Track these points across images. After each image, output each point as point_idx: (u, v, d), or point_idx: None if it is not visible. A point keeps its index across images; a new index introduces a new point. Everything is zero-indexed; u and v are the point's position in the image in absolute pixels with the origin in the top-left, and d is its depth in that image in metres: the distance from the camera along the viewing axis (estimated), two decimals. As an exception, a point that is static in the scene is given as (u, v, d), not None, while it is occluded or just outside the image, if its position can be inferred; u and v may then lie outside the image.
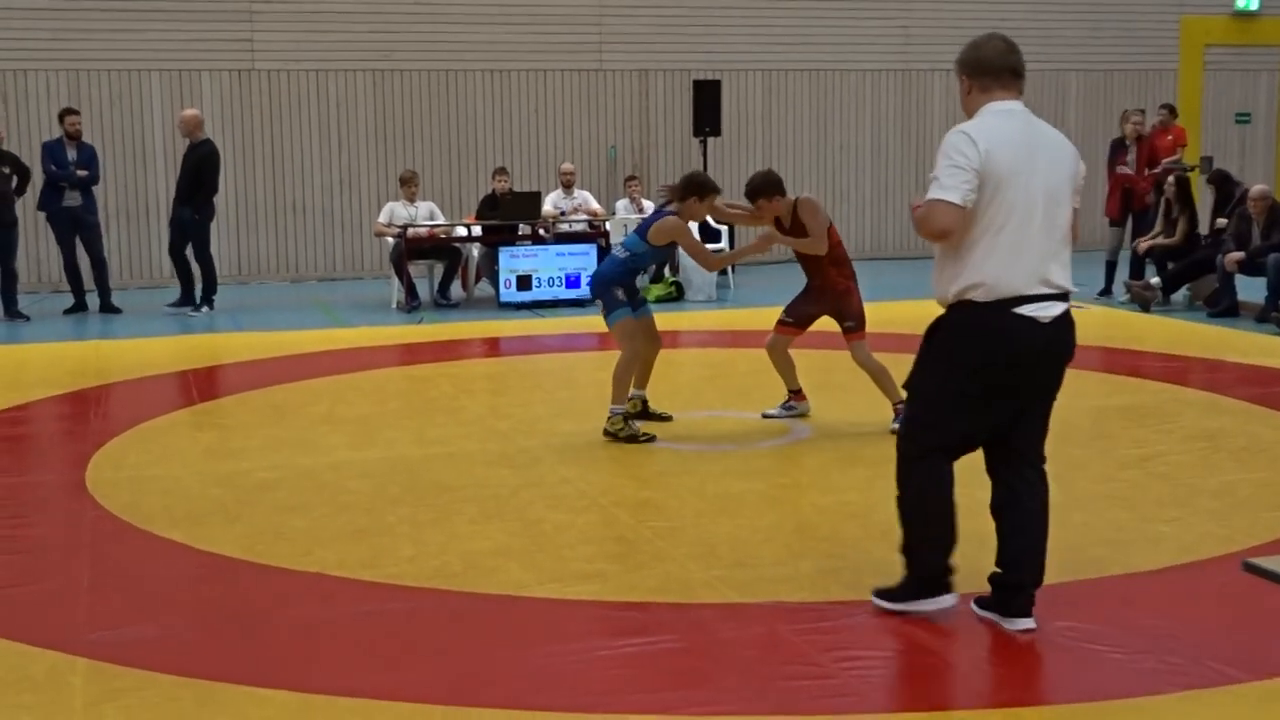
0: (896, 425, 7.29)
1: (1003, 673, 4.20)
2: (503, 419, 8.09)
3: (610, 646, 4.46)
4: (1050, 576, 5.06)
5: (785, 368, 7.84)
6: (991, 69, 4.59)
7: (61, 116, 13.42)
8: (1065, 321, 4.50)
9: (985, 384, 4.53)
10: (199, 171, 13.20)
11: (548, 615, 4.79)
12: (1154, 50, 19.23)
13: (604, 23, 17.04)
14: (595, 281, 7.63)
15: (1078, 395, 8.73)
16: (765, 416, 7.94)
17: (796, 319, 7.73)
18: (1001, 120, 4.54)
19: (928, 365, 4.73)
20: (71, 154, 13.19)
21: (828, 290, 7.62)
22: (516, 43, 16.77)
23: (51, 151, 13.23)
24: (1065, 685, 4.11)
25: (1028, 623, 4.57)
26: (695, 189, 7.47)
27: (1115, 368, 9.71)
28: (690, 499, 6.18)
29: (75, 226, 13.17)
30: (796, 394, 7.92)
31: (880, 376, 7.52)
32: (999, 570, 4.68)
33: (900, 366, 9.40)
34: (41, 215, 13.56)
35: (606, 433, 7.40)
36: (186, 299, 13.45)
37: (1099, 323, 12.14)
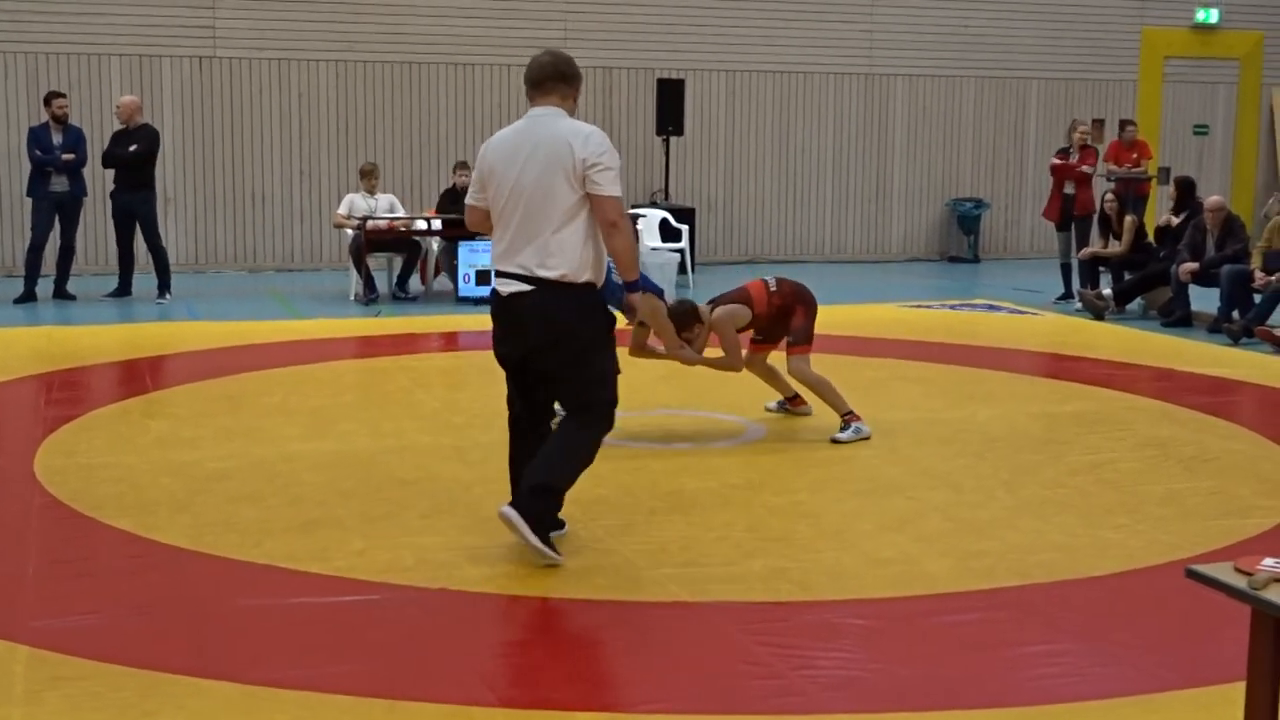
0: (843, 435, 7.37)
1: (949, 675, 4.23)
2: (458, 414, 8.07)
3: (559, 643, 4.46)
4: (999, 580, 5.12)
5: (770, 380, 7.89)
6: (531, 80, 5.24)
7: (47, 100, 13.24)
8: (523, 299, 5.07)
9: (493, 341, 5.29)
10: (152, 155, 13.08)
11: (497, 611, 4.79)
12: (1115, 60, 19.37)
13: (569, 19, 17.01)
14: None
15: (1030, 401, 8.81)
16: (767, 410, 8.04)
17: (766, 337, 7.77)
18: (514, 125, 5.29)
19: None
20: (58, 138, 13.02)
21: (778, 317, 7.61)
22: (480, 37, 16.72)
23: (36, 137, 13.05)
24: (1010, 689, 4.13)
25: (504, 510, 5.16)
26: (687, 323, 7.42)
27: (1067, 374, 9.79)
28: (643, 497, 6.18)
29: (57, 212, 13.03)
30: (793, 399, 7.96)
31: (821, 389, 7.51)
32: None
33: (856, 369, 9.46)
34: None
35: None
36: (127, 288, 13.33)
37: (1052, 329, 12.24)
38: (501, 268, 5.17)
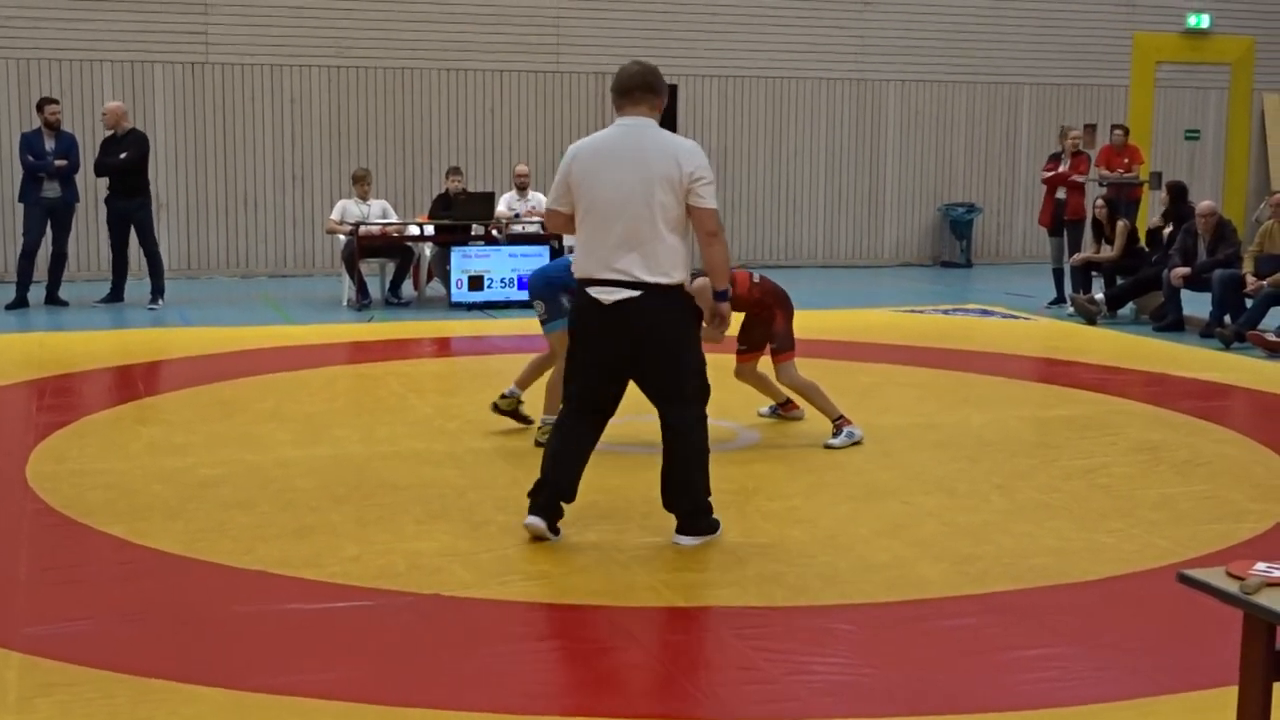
0: (835, 440, 7.37)
1: (943, 679, 4.23)
2: (451, 419, 8.06)
3: (553, 648, 4.46)
4: (993, 584, 5.12)
5: (762, 387, 7.88)
6: (620, 89, 5.42)
7: (40, 106, 13.22)
8: (630, 305, 5.27)
9: (578, 346, 5.47)
10: (143, 160, 13.09)
11: (490, 616, 4.78)
12: (1106, 65, 19.42)
13: (561, 24, 17.03)
14: (542, 283, 7.28)
15: (1023, 405, 8.82)
16: (760, 415, 8.05)
17: (750, 345, 7.77)
18: (605, 132, 5.47)
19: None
20: (50, 144, 13.00)
21: (755, 321, 7.64)
22: (473, 42, 16.73)
23: (29, 142, 13.03)
24: (1004, 693, 4.13)
25: (679, 540, 5.50)
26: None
27: (1060, 379, 9.80)
28: (637, 502, 6.17)
29: (49, 218, 13.01)
30: (785, 405, 7.97)
31: (811, 394, 7.51)
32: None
33: (850, 374, 9.46)
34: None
35: (539, 443, 7.21)
36: (119, 293, 13.32)
37: (1045, 334, 12.26)
38: (599, 275, 5.31)
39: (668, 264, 5.27)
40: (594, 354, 5.42)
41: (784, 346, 7.51)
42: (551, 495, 5.53)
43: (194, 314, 12.84)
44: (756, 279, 7.61)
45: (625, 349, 5.36)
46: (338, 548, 5.49)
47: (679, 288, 5.35)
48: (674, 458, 5.51)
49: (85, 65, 15.50)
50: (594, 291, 5.32)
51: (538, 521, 5.50)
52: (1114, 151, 15.21)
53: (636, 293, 5.25)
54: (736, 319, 7.63)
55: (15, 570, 5.16)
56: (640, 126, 5.38)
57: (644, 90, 5.40)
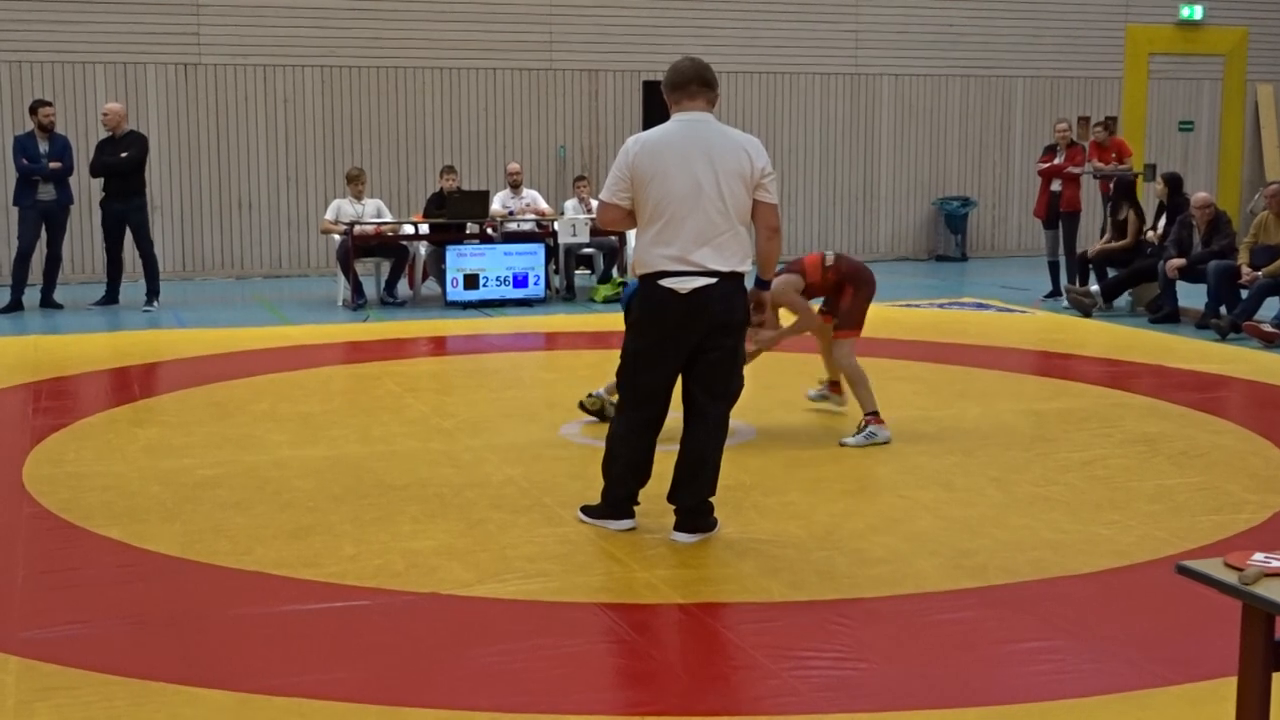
0: (852, 440, 7.29)
1: (941, 673, 4.23)
2: (447, 418, 8.06)
3: (551, 646, 4.45)
4: (990, 578, 5.12)
5: (825, 355, 7.92)
6: (676, 84, 5.48)
7: (34, 109, 13.20)
8: (707, 292, 5.32)
9: (649, 341, 5.48)
10: (142, 163, 13.08)
11: (489, 614, 4.78)
12: (1099, 57, 19.43)
13: (554, 22, 17.01)
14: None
15: (1019, 398, 8.82)
16: (809, 398, 8.18)
17: (830, 309, 7.73)
18: (668, 127, 5.48)
19: (626, 330, 5.75)
20: (44, 146, 12.98)
21: (831, 292, 7.65)
22: (466, 41, 16.72)
23: (22, 145, 13.00)
24: (1002, 686, 4.14)
25: (676, 537, 5.53)
26: None
27: (1056, 372, 9.81)
28: (634, 499, 6.17)
29: (44, 220, 12.99)
30: (834, 385, 8.06)
31: (855, 381, 7.43)
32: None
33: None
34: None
35: (582, 405, 7.81)
36: (114, 296, 13.31)
37: (1041, 327, 12.27)
38: (673, 267, 5.35)
39: (738, 254, 5.38)
40: (666, 344, 5.45)
41: (844, 324, 7.48)
42: (633, 497, 5.72)
43: (189, 315, 12.83)
44: (830, 260, 7.59)
45: (696, 338, 5.40)
46: (335, 548, 5.49)
47: (743, 276, 5.45)
48: (696, 451, 5.55)
49: (78, 67, 15.48)
50: (668, 283, 5.36)
51: (633, 522, 5.70)
52: (1099, 147, 15.23)
53: (712, 280, 5.33)
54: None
55: (13, 574, 5.15)
56: (703, 122, 5.44)
57: (700, 84, 5.47)
